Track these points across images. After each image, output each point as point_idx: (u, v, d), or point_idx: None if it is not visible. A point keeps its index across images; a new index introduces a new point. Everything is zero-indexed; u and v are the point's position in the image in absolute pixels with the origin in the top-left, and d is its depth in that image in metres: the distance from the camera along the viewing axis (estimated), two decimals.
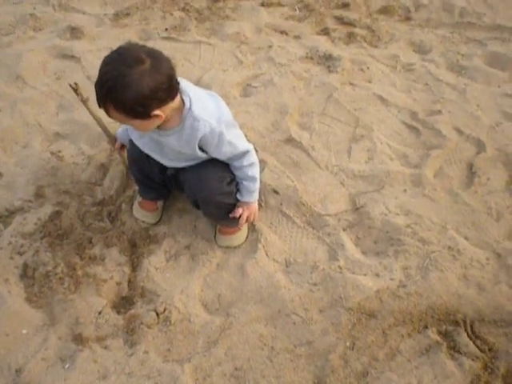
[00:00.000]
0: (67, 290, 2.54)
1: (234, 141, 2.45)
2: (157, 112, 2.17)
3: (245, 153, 2.52)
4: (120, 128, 2.84)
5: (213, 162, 2.57)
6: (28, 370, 2.26)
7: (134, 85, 2.06)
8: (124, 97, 2.07)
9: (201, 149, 2.45)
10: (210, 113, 2.38)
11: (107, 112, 2.18)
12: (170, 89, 2.19)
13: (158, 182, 2.81)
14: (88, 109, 2.61)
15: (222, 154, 2.46)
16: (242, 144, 2.51)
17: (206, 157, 2.52)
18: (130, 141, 2.69)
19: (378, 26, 4.73)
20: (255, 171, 2.59)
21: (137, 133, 2.55)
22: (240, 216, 2.65)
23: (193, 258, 2.73)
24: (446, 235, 2.78)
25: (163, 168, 2.71)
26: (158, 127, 2.37)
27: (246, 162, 2.54)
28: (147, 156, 2.65)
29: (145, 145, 2.57)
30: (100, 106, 2.19)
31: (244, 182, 2.59)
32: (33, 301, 2.52)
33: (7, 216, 2.90)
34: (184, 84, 2.35)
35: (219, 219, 2.75)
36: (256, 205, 2.71)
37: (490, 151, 3.30)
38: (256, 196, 2.67)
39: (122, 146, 2.86)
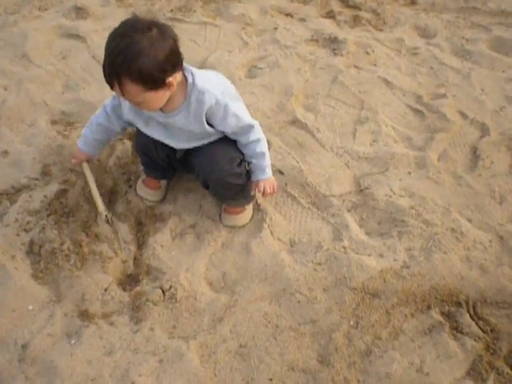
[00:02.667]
0: (73, 266, 2.55)
1: (239, 113, 2.46)
2: (170, 79, 2.19)
3: (250, 127, 2.52)
4: (80, 141, 2.82)
5: (223, 143, 2.59)
6: (34, 346, 2.27)
7: (147, 51, 2.08)
8: (140, 64, 2.08)
9: (208, 123, 2.46)
10: (214, 84, 2.40)
11: (122, 89, 2.17)
12: (178, 53, 2.23)
13: (164, 165, 2.83)
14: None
15: (228, 126, 2.47)
16: (248, 117, 2.52)
17: (214, 133, 2.53)
18: (136, 129, 2.69)
19: (384, 10, 4.72)
20: (263, 147, 2.58)
21: (142, 120, 2.55)
22: (262, 192, 2.64)
23: (198, 237, 2.75)
24: (450, 217, 2.80)
25: (171, 153, 2.73)
26: (164, 109, 2.40)
27: (252, 137, 2.54)
28: (154, 143, 2.67)
29: (153, 131, 2.58)
30: (113, 87, 2.19)
31: (253, 161, 2.60)
32: (39, 277, 2.54)
33: (13, 193, 2.91)
34: (187, 65, 2.38)
35: (227, 199, 2.76)
36: (272, 179, 2.68)
37: (493, 135, 3.31)
38: (269, 171, 2.64)
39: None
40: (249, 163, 2.64)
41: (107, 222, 2.73)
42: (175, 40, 2.21)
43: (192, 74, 2.36)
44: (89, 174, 2.80)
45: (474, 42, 4.27)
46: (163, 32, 2.16)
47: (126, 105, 2.54)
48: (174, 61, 2.20)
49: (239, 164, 2.60)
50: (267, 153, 2.62)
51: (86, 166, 2.82)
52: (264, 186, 2.61)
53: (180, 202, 2.92)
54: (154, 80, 2.15)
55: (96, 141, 2.78)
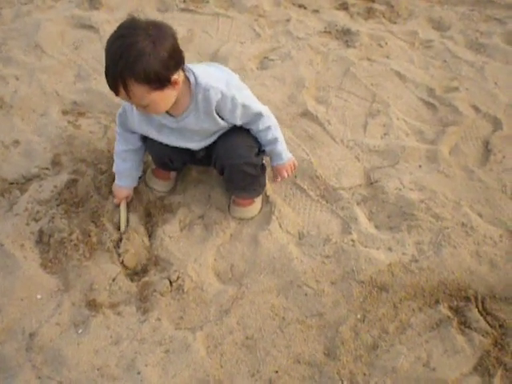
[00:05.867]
0: (82, 256, 2.56)
1: (247, 102, 2.45)
2: (175, 76, 2.19)
3: (259, 115, 2.51)
4: (116, 180, 2.81)
5: (243, 131, 2.60)
6: (42, 335, 2.29)
7: (150, 50, 2.07)
8: (144, 63, 2.07)
9: (220, 117, 2.46)
10: (217, 79, 2.40)
11: (127, 92, 2.15)
12: (180, 51, 2.23)
13: (177, 167, 2.87)
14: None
15: (238, 117, 2.47)
16: (256, 105, 2.51)
17: (227, 125, 2.54)
18: (148, 142, 2.70)
19: (398, 2, 4.70)
20: (274, 132, 2.60)
21: (155, 129, 2.55)
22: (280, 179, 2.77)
23: (206, 228, 2.75)
24: (460, 212, 2.78)
25: (188, 158, 2.76)
26: (173, 113, 2.42)
27: (261, 125, 2.54)
28: (168, 155, 2.70)
29: (168, 137, 2.58)
30: (118, 92, 2.18)
31: (268, 147, 2.63)
32: (48, 266, 2.55)
33: (24, 183, 2.92)
34: (187, 65, 2.38)
35: (238, 189, 2.74)
36: (290, 161, 2.75)
37: (506, 129, 3.28)
38: (286, 156, 2.71)
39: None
40: (264, 151, 2.67)
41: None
42: (175, 38, 2.20)
43: (193, 73, 2.35)
44: (123, 207, 2.79)
45: (489, 36, 4.23)
46: (162, 30, 2.16)
47: (134, 118, 2.54)
48: (176, 58, 2.20)
49: (257, 154, 2.62)
50: (280, 137, 2.64)
51: (124, 203, 2.80)
52: (280, 170, 2.73)
53: (189, 193, 2.92)
54: (160, 78, 2.14)
55: (129, 170, 2.77)
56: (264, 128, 2.55)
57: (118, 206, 2.77)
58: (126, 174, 2.77)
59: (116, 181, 2.79)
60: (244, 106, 2.44)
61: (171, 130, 2.53)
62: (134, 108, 2.42)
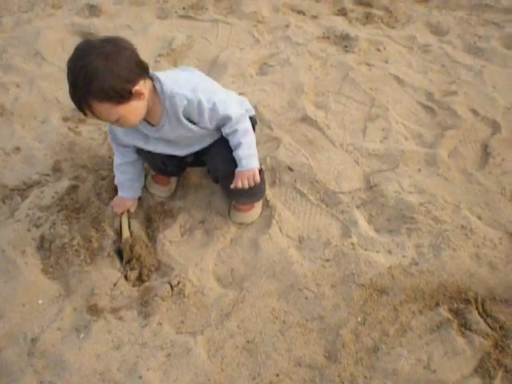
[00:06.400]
0: (83, 261, 2.58)
1: (216, 106, 2.40)
2: (137, 87, 2.18)
3: (226, 118, 2.46)
4: (118, 192, 2.82)
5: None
6: (43, 340, 2.30)
7: (103, 67, 2.08)
8: (100, 82, 2.07)
9: (191, 122, 2.45)
10: (182, 84, 2.38)
11: (92, 112, 2.17)
12: (139, 62, 2.23)
13: (173, 171, 2.87)
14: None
15: (206, 121, 2.44)
16: (225, 108, 2.44)
17: (205, 131, 2.53)
18: (140, 151, 2.71)
19: (396, 7, 4.71)
20: (240, 138, 2.50)
21: (141, 139, 2.57)
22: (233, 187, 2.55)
23: (207, 233, 2.76)
24: (459, 214, 2.79)
25: (180, 162, 2.77)
26: (152, 123, 2.44)
27: (228, 129, 2.50)
28: (161, 160, 2.71)
29: (155, 146, 2.59)
30: (85, 113, 2.21)
31: (234, 152, 2.54)
32: (49, 272, 2.56)
33: (25, 189, 2.94)
34: (155, 73, 2.38)
35: (236, 196, 2.75)
36: (248, 172, 2.53)
37: (505, 132, 3.29)
38: (247, 164, 2.53)
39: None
40: None
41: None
42: (133, 50, 2.21)
43: (160, 81, 2.34)
44: (125, 220, 2.78)
45: (487, 40, 4.25)
46: (117, 45, 2.17)
47: (118, 131, 2.57)
48: (135, 69, 2.19)
49: None
50: (246, 144, 2.53)
51: (126, 214, 2.80)
52: (236, 177, 2.54)
53: (189, 198, 2.93)
54: (119, 93, 2.14)
55: (129, 181, 2.79)
56: (230, 132, 2.50)
57: (120, 216, 2.78)
58: (127, 185, 2.78)
59: (119, 192, 2.81)
60: (211, 110, 2.41)
61: (155, 139, 2.55)
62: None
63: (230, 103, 2.49)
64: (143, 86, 2.22)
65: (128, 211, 2.81)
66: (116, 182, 2.81)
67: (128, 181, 2.78)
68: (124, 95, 2.16)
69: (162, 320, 2.38)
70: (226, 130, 2.51)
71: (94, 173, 2.99)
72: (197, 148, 2.63)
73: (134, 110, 2.25)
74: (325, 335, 2.32)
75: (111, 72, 2.09)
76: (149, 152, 2.64)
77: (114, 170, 2.79)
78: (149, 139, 2.56)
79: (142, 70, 2.24)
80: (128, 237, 2.70)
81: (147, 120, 2.41)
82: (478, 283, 2.48)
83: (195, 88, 2.38)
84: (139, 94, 2.20)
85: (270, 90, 3.65)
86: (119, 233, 2.72)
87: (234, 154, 2.54)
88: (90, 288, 2.49)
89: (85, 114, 2.22)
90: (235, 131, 2.50)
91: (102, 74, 2.07)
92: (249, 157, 2.54)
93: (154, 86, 2.34)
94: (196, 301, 2.46)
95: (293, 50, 4.10)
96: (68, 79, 2.15)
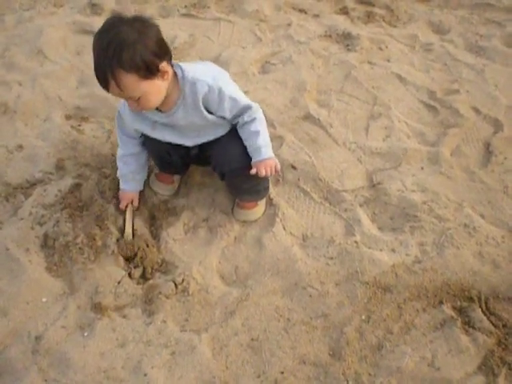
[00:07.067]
0: (87, 259, 2.57)
1: (235, 95, 2.46)
2: (164, 64, 2.22)
3: (248, 107, 2.51)
4: (120, 185, 2.85)
5: (236, 136, 2.60)
6: (47, 338, 2.29)
7: (136, 39, 2.11)
8: (131, 51, 2.09)
9: (208, 111, 2.47)
10: (203, 73, 2.42)
11: (118, 83, 2.15)
12: (165, 43, 2.27)
13: (178, 165, 2.85)
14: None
15: (226, 110, 2.47)
16: (244, 99, 2.52)
17: (218, 122, 2.55)
18: (146, 139, 2.72)
19: (397, 6, 4.73)
20: (258, 125, 2.54)
21: (148, 125, 2.58)
22: (260, 176, 2.53)
23: (211, 231, 2.76)
24: (462, 213, 2.79)
25: (185, 153, 2.75)
26: (163, 109, 2.45)
27: (247, 117, 2.53)
28: (166, 149, 2.70)
29: (162, 133, 2.60)
30: (108, 86, 2.19)
31: (248, 142, 2.56)
32: (53, 270, 2.56)
33: (28, 187, 2.93)
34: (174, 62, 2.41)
35: (241, 193, 2.76)
36: (270, 160, 2.56)
37: (507, 131, 3.30)
38: (265, 152, 2.54)
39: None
40: (247, 147, 2.59)
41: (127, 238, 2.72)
42: (159, 31, 2.24)
43: (181, 68, 2.39)
44: (130, 211, 2.79)
45: (488, 38, 4.26)
46: (147, 21, 2.21)
47: (128, 117, 2.58)
48: (163, 47, 2.23)
49: None
50: (263, 133, 2.56)
51: (130, 208, 2.80)
52: (258, 167, 2.52)
53: (193, 196, 2.93)
54: (148, 66, 2.16)
55: (132, 173, 2.80)
56: (249, 120, 2.53)
57: (124, 211, 2.79)
58: (129, 177, 2.79)
59: (121, 185, 2.82)
60: (232, 99, 2.44)
61: (164, 126, 2.56)
62: (127, 106, 2.43)
63: (243, 95, 2.56)
64: (167, 67, 2.25)
65: (132, 205, 2.81)
66: (118, 174, 2.83)
67: (130, 173, 2.79)
68: (152, 69, 2.18)
69: (166, 318, 2.37)
70: (244, 118, 2.53)
71: (97, 171, 2.99)
72: (204, 139, 2.63)
73: (157, 89, 2.27)
74: (329, 333, 2.32)
75: (143, 44, 2.12)
76: (155, 141, 2.65)
77: (117, 161, 2.80)
78: (156, 126, 2.57)
79: (167, 51, 2.28)
80: (129, 232, 2.71)
81: (158, 106, 2.42)
82: (482, 281, 2.49)
83: (215, 77, 2.42)
84: (164, 73, 2.24)
85: (273, 88, 3.65)
86: (123, 231, 2.72)
87: (250, 143, 2.55)
88: (94, 286, 2.49)
89: (107, 88, 2.21)
90: (254, 119, 2.54)
91: (133, 45, 2.10)
92: (267, 145, 2.57)
93: (174, 72, 2.37)
94: (200, 299, 2.46)
95: (295, 49, 4.10)
96: (95, 50, 2.15)
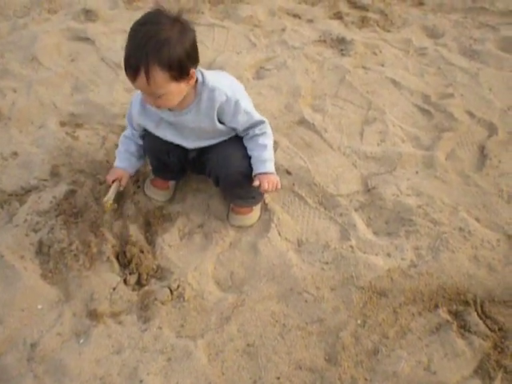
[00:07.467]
0: (82, 266, 2.57)
1: (249, 110, 2.51)
2: (193, 70, 2.26)
3: (259, 122, 2.56)
4: (115, 162, 2.83)
5: (236, 141, 2.63)
6: (43, 345, 2.29)
7: (177, 39, 2.14)
8: (171, 50, 2.12)
9: (219, 120, 2.49)
10: (224, 83, 2.45)
11: (148, 77, 2.15)
12: (197, 48, 2.29)
13: (175, 168, 2.85)
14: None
15: (239, 122, 2.51)
16: (257, 114, 2.57)
17: (224, 130, 2.57)
18: (147, 135, 2.72)
19: (391, 11, 4.74)
20: (266, 140, 2.59)
21: (153, 121, 2.59)
22: (261, 190, 2.56)
23: (206, 237, 2.76)
24: (457, 216, 2.80)
25: (183, 155, 2.75)
26: (174, 108, 2.44)
27: (258, 130, 2.57)
28: (166, 148, 2.70)
29: (164, 132, 2.61)
30: (137, 77, 2.17)
31: (254, 153, 2.58)
32: (48, 277, 2.55)
33: (23, 194, 2.93)
34: None
35: (235, 198, 2.77)
36: (273, 176, 2.57)
37: (501, 134, 3.31)
38: (270, 166, 2.57)
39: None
40: (250, 157, 2.61)
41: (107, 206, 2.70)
42: (195, 36, 2.27)
43: (202, 73, 2.41)
44: (115, 185, 2.74)
45: (482, 42, 4.27)
46: (186, 26, 2.22)
47: (135, 108, 2.59)
48: (196, 53, 2.27)
49: (251, 164, 2.60)
50: (270, 148, 2.61)
51: (117, 183, 2.76)
52: (262, 180, 2.52)
53: (188, 202, 2.93)
54: (182, 68, 2.19)
55: (129, 154, 2.80)
56: (260, 133, 2.57)
57: (110, 185, 2.75)
58: (125, 156, 2.80)
59: (115, 163, 2.82)
60: (246, 113, 2.49)
61: (168, 124, 2.58)
62: (139, 100, 2.49)
63: (256, 111, 2.60)
64: (195, 73, 2.30)
65: (119, 182, 2.77)
66: (116, 152, 2.84)
67: (127, 152, 2.80)
68: (183, 72, 2.22)
69: (161, 324, 2.37)
70: (255, 131, 2.57)
71: (91, 177, 2.98)
72: (205, 143, 2.65)
73: (179, 91, 2.30)
74: (325, 338, 2.32)
75: (182, 45, 2.17)
76: (156, 139, 2.66)
77: (119, 140, 2.84)
78: (160, 124, 2.59)
79: (198, 57, 2.31)
80: (110, 197, 2.68)
81: None
82: (477, 285, 2.49)
83: (234, 89, 2.47)
84: (191, 78, 2.28)
85: (267, 93, 3.66)
86: (118, 236, 2.72)
87: (256, 154, 2.58)
88: (89, 293, 2.48)
89: (133, 79, 2.20)
90: (264, 133, 2.59)
91: (174, 44, 2.13)
92: (272, 160, 2.61)
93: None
94: (196, 304, 2.46)
95: (289, 54, 4.11)
96: (131, 39, 2.17)
